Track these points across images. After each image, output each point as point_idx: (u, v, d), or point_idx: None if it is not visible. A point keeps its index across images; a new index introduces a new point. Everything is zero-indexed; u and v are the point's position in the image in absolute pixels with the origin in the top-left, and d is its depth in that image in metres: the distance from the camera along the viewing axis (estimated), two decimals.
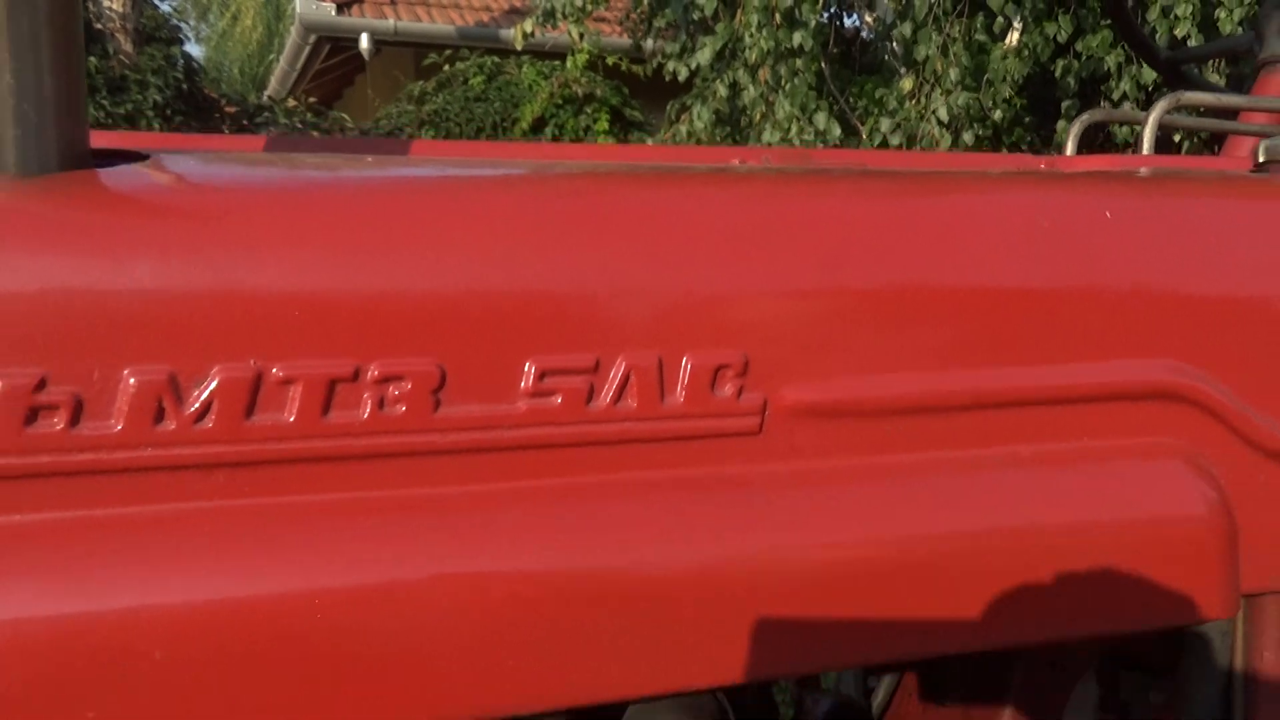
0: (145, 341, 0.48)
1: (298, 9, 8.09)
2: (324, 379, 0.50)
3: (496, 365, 0.53)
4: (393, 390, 0.51)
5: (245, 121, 5.59)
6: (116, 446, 0.48)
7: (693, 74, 4.94)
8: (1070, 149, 1.36)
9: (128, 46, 5.10)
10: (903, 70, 4.35)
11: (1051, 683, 0.94)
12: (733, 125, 4.62)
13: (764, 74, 4.18)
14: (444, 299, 0.52)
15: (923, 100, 4.21)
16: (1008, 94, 4.31)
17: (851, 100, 4.63)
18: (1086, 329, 0.65)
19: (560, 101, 5.97)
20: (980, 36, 4.94)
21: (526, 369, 0.53)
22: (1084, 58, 5.09)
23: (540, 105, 5.87)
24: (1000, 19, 4.31)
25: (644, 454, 0.56)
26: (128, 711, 0.46)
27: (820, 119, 4.11)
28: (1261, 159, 0.87)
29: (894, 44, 4.76)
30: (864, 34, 5.31)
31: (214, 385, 0.49)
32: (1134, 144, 1.40)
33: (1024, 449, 0.64)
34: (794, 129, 4.09)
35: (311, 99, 6.25)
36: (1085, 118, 1.27)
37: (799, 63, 4.13)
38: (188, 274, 0.49)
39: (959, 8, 4.49)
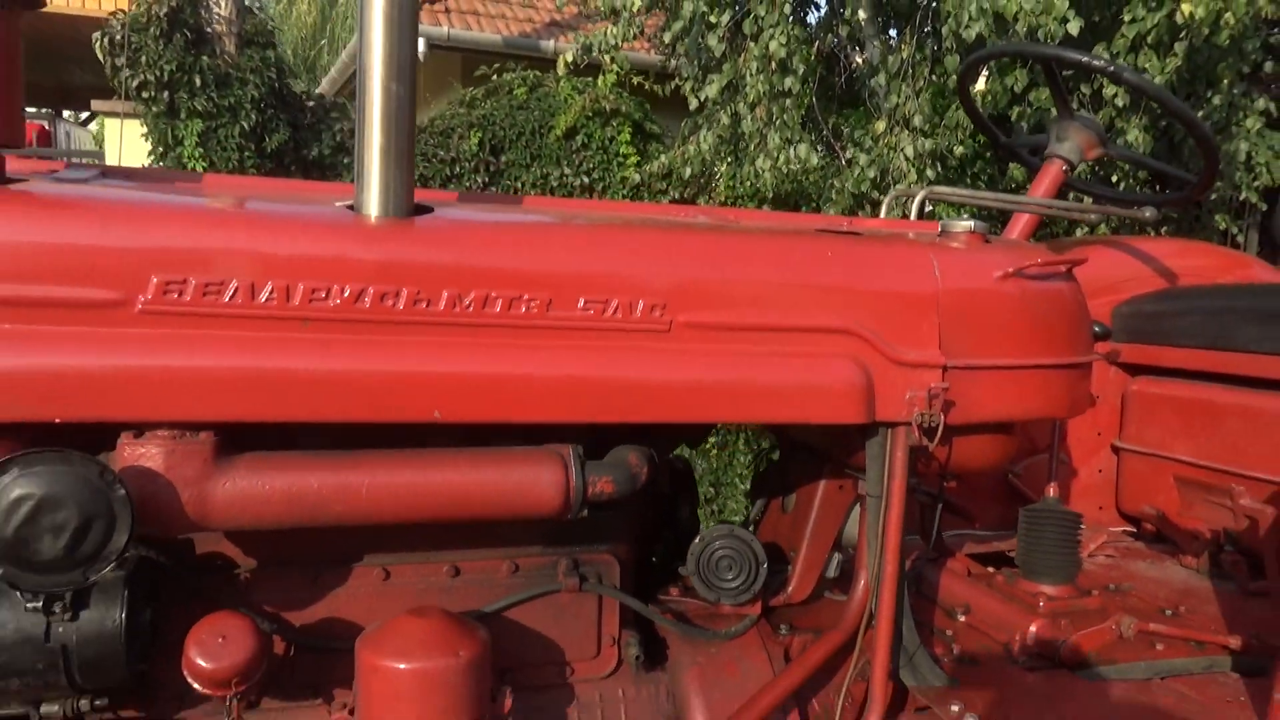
0: (483, 278, 1.24)
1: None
2: (509, 298, 1.26)
3: (568, 298, 1.27)
4: (531, 303, 1.27)
5: (320, 115, 6.61)
6: (491, 315, 1.26)
7: (701, 102, 5.86)
8: (913, 215, 2.24)
9: (231, 48, 6.06)
10: (883, 108, 5.28)
11: (837, 494, 1.82)
12: (734, 146, 5.55)
13: (760, 110, 5.10)
14: (552, 274, 1.28)
15: (893, 139, 5.12)
16: (961, 137, 5.21)
17: (839, 129, 5.55)
18: (811, 301, 1.40)
19: (590, 114, 6.91)
20: (952, 81, 5.82)
21: (580, 301, 1.28)
22: (1034, 107, 5.97)
23: (573, 116, 6.81)
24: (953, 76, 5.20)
25: (622, 336, 1.31)
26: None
27: (803, 150, 5.04)
28: (939, 231, 1.62)
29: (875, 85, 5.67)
30: (853, 72, 6.22)
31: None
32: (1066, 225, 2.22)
33: (776, 349, 1.38)
34: (781, 158, 5.02)
35: None
36: (894, 192, 2.15)
37: (789, 102, 5.05)
38: (493, 255, 1.28)
39: (929, 59, 5.40)
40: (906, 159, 5.07)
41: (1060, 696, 1.62)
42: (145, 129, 5.95)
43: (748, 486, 5.86)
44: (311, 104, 6.64)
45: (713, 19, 5.15)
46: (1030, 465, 2.53)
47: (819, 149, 5.20)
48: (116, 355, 1.14)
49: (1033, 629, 1.79)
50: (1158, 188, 5.76)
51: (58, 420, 1.13)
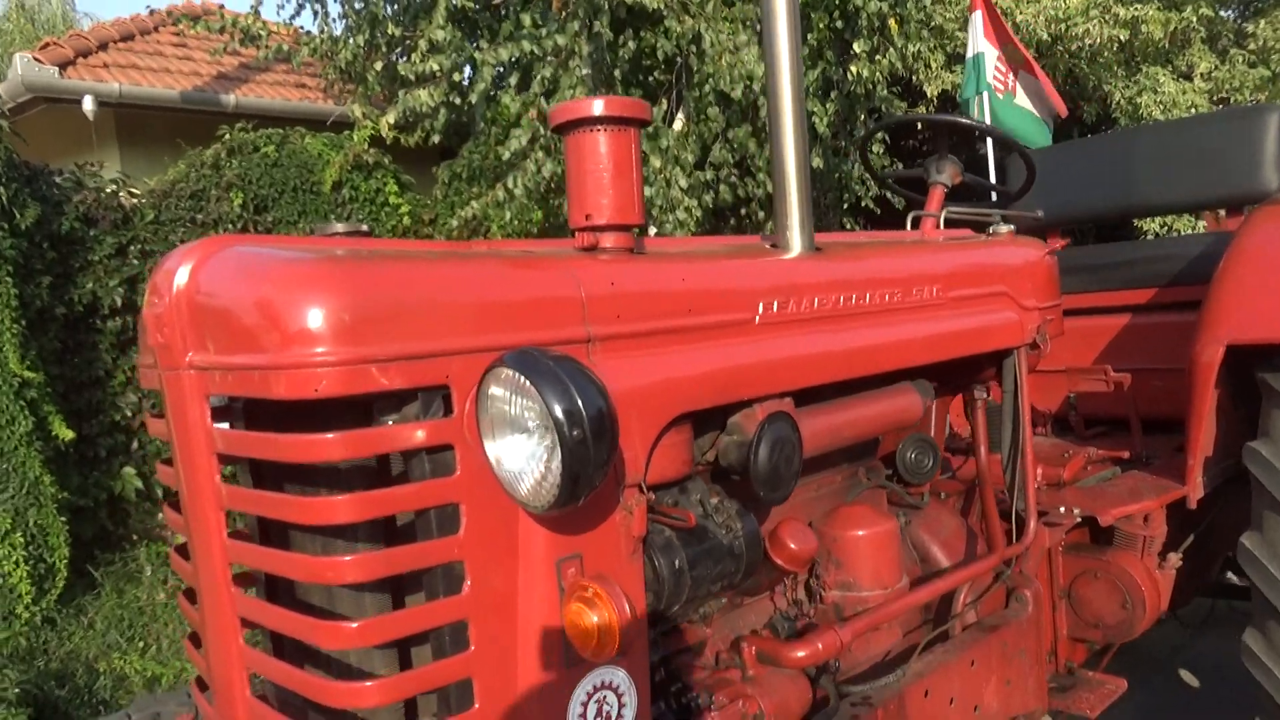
0: (868, 283, 2.15)
1: (19, 71, 7.96)
2: (884, 293, 2.20)
3: (909, 289, 2.28)
4: (894, 294, 2.23)
5: (52, 185, 5.98)
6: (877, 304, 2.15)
7: (447, 147, 6.52)
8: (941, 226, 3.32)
9: None
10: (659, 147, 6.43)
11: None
12: (543, 194, 6.31)
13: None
14: (899, 278, 2.28)
15: (668, 173, 6.30)
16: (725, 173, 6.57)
17: None
18: (992, 277, 2.55)
19: (351, 168, 7.10)
20: (712, 126, 7.14)
21: (914, 291, 2.28)
22: (735, 144, 7.58)
23: (336, 171, 6.95)
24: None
25: (932, 308, 2.28)
26: None
27: None
28: (989, 232, 2.86)
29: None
30: None
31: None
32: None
33: (983, 308, 2.51)
34: None
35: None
36: (913, 214, 3.25)
37: None
38: (868, 269, 2.20)
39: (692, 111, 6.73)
40: (680, 188, 6.26)
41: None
42: None
43: None
44: (48, 176, 5.98)
45: (510, 81, 5.85)
46: None
47: None
48: (753, 354, 1.75)
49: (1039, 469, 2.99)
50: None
51: (721, 403, 1.72)
